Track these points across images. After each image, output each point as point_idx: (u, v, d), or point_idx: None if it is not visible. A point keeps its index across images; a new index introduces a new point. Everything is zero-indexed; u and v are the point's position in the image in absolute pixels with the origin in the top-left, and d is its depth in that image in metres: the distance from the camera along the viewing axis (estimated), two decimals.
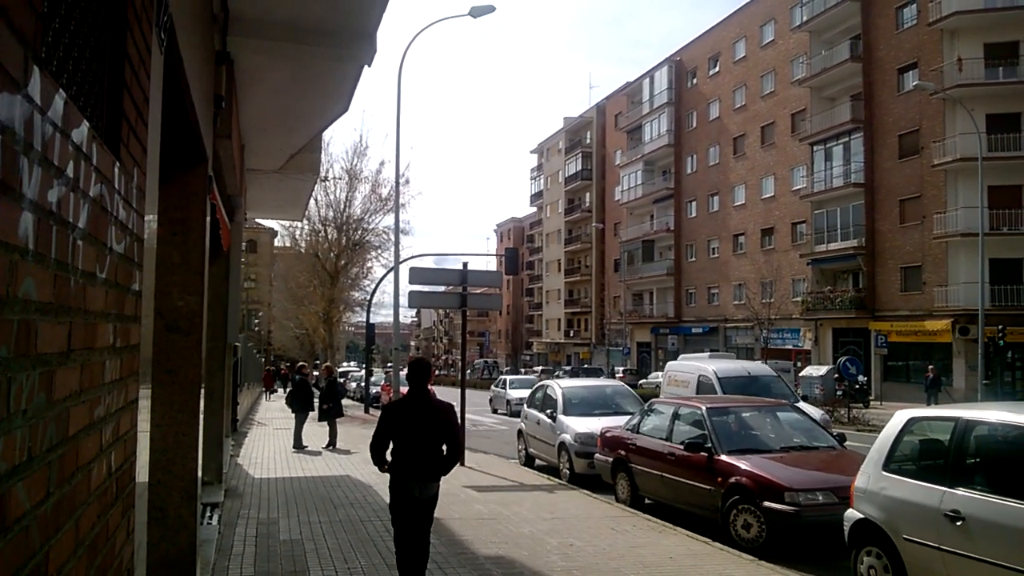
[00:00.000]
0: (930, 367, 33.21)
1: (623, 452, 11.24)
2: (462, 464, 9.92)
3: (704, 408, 9.95)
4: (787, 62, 48.58)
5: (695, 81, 59.78)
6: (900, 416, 6.78)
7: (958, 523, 5.69)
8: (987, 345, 31.16)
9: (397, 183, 25.14)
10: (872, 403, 32.85)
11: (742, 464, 8.82)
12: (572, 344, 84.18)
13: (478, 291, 15.63)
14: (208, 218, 6.04)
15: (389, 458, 6.22)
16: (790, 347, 45.71)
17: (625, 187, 68.22)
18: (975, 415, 6.09)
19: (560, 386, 15.21)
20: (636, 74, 72.96)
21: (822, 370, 35.35)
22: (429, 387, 6.34)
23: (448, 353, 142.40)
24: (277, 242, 55.21)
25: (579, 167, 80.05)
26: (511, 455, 17.09)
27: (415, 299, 15.36)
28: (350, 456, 16.65)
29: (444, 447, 6.14)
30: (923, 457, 6.43)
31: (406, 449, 6.06)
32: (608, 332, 72.12)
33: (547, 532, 9.05)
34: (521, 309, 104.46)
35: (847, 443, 10.30)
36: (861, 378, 31.02)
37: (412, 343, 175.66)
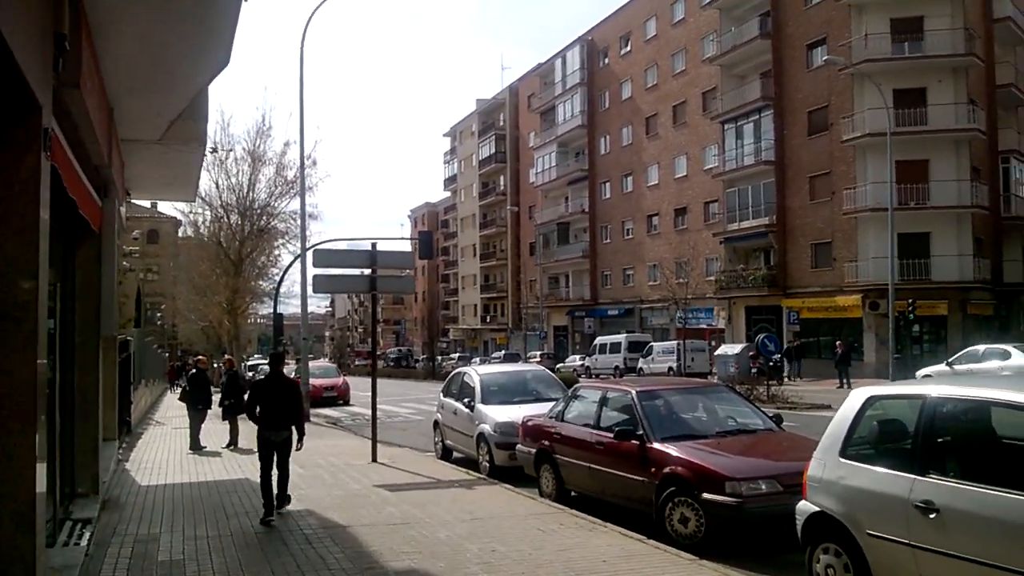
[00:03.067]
0: (838, 342, 33.66)
1: (547, 442, 10.41)
2: (305, 421, 11.10)
3: (634, 392, 9.17)
4: (698, 40, 48.61)
5: (607, 61, 59.49)
6: (857, 395, 6.08)
7: (931, 515, 5.01)
8: (897, 319, 31.63)
9: (302, 163, 23.78)
10: (785, 380, 33.06)
11: (677, 452, 8.07)
12: (489, 330, 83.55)
13: (389, 273, 14.55)
14: (42, 182, 4.86)
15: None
16: (704, 326, 45.95)
17: (539, 169, 67.70)
18: (944, 392, 5.42)
19: (478, 373, 14.29)
20: (548, 55, 72.16)
21: (736, 348, 35.51)
22: (281, 368, 9.90)
23: (364, 343, 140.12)
24: (180, 232, 52.64)
25: (493, 150, 79.15)
26: (428, 448, 16.12)
27: (320, 284, 14.21)
28: (252, 456, 15.34)
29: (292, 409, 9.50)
30: (887, 440, 5.74)
31: (266, 409, 9.35)
32: (525, 316, 71.68)
33: (467, 536, 8.14)
34: (437, 295, 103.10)
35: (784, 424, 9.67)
36: (776, 356, 31.17)
37: (327, 333, 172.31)
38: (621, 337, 46.44)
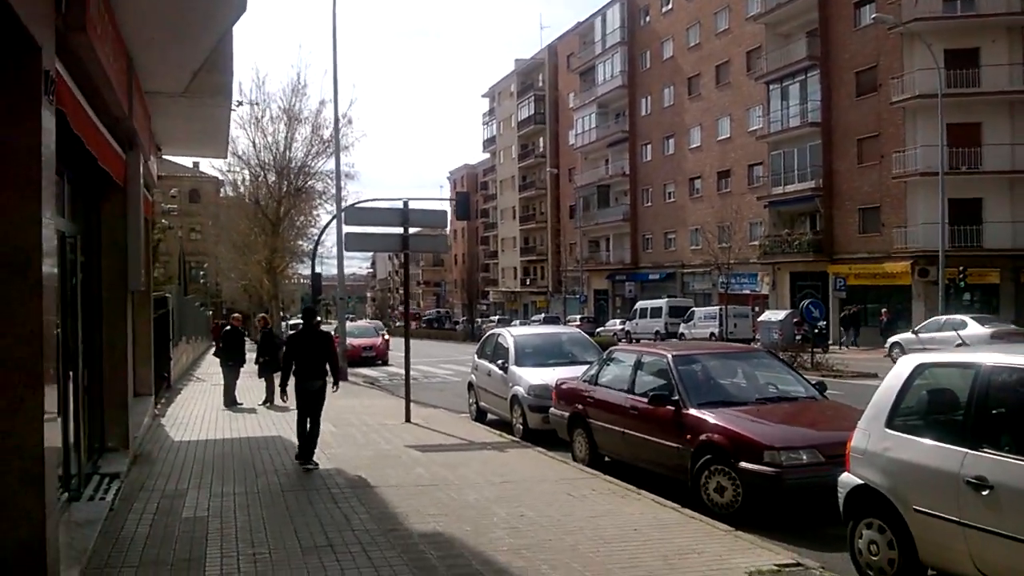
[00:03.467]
0: (883, 310, 32.89)
1: (580, 406, 10.18)
2: (341, 377, 12.26)
3: (670, 356, 8.87)
4: None
5: (648, 19, 58.16)
6: (906, 362, 5.72)
7: (984, 492, 4.67)
8: (947, 287, 30.73)
9: (336, 120, 23.58)
10: (831, 348, 32.40)
11: (714, 419, 7.78)
12: (528, 293, 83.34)
13: (422, 232, 14.33)
14: (44, 126, 4.67)
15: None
16: (747, 292, 45.23)
17: (579, 131, 66.77)
18: (999, 360, 5.05)
19: (512, 334, 14.07)
20: (588, 15, 70.74)
21: (780, 315, 34.81)
22: (314, 322, 10.58)
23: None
24: (221, 192, 52.97)
25: (532, 111, 78.22)
26: (463, 409, 16.00)
27: (352, 242, 14.01)
28: (287, 414, 15.32)
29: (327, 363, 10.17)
30: (937, 411, 5.40)
31: (302, 361, 9.99)
32: (564, 280, 71.32)
33: (495, 500, 7.97)
34: (477, 257, 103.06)
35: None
36: (821, 323, 30.51)
37: (369, 294, 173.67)
38: (662, 302, 45.98)
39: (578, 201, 65.85)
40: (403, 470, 9.63)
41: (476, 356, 15.24)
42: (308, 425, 9.94)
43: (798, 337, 29.83)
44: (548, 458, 10.33)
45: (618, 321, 51.51)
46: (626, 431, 9.04)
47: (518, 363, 13.06)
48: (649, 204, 57.96)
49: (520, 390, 12.45)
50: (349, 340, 32.76)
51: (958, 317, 27.09)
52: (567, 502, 7.85)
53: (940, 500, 4.97)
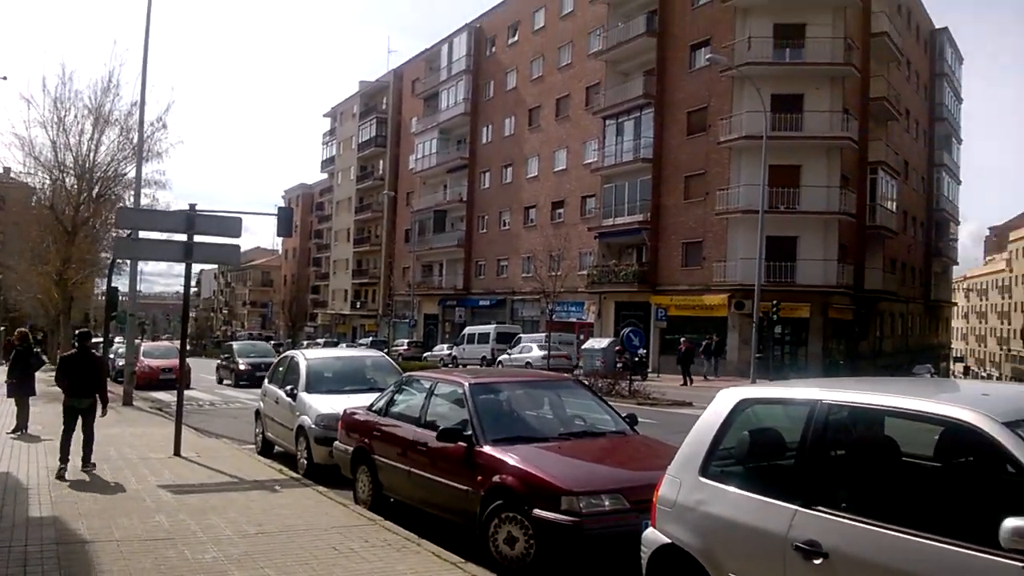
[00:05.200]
0: (682, 339, 33.26)
1: (366, 439, 8.76)
2: (107, 398, 11.18)
3: (467, 384, 7.62)
4: (585, 34, 47.83)
5: (494, 50, 58.10)
6: (725, 397, 4.71)
7: (816, 561, 3.69)
8: (761, 320, 31.58)
9: (142, 116, 21.09)
10: (650, 375, 32.56)
11: (509, 458, 6.58)
12: (359, 316, 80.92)
13: (210, 241, 12.50)
14: None
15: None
16: (574, 320, 45.31)
17: (419, 155, 65.68)
18: (838, 397, 4.10)
19: (306, 357, 12.44)
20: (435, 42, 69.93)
21: (603, 342, 34.80)
22: (88, 344, 11.01)
23: (228, 324, 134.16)
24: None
25: (373, 133, 76.60)
26: (253, 440, 14.17)
27: (124, 248, 12.17)
28: (34, 445, 13.04)
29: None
30: (761, 457, 4.42)
31: (73, 380, 10.57)
32: (395, 304, 69.63)
33: (238, 559, 6.41)
34: (307, 279, 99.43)
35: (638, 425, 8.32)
36: (642, 351, 30.61)
37: (191, 314, 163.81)
38: (490, 327, 45.33)
39: (414, 225, 64.59)
40: (140, 518, 7.85)
41: (266, 381, 13.50)
42: (74, 439, 10.57)
43: (619, 365, 29.69)
44: (326, 500, 8.83)
45: (446, 346, 50.40)
46: (412, 470, 7.72)
47: (309, 389, 11.48)
48: (484, 231, 57.49)
49: (307, 420, 10.87)
50: (147, 361, 29.99)
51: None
52: (328, 559, 6.41)
53: (763, 568, 3.97)
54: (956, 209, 60.55)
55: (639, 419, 8.56)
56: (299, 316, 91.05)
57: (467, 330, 47.52)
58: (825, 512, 3.76)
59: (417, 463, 7.67)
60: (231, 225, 12.35)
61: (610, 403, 8.71)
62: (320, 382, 11.78)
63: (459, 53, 61.04)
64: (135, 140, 28.93)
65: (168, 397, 25.68)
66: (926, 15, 54.60)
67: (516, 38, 55.25)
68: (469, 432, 7.06)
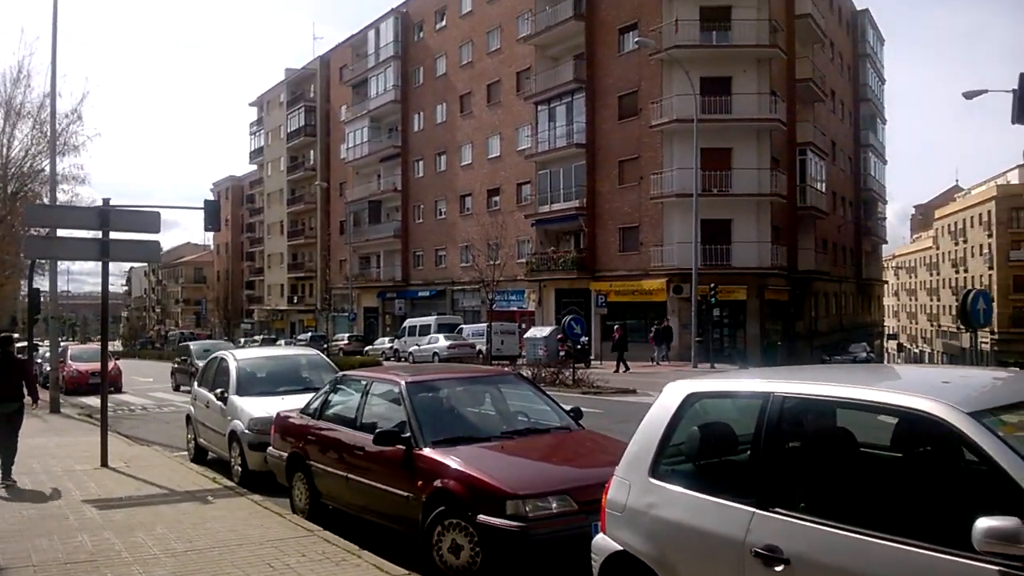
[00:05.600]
0: (616, 326, 33.14)
1: (301, 444, 8.38)
2: (37, 394, 11.12)
3: (404, 383, 7.28)
4: (513, 19, 47.48)
5: (422, 35, 57.35)
6: (673, 392, 4.48)
7: (777, 568, 3.50)
8: (699, 303, 31.86)
9: (53, 109, 20.10)
10: (592, 363, 32.59)
11: (450, 461, 6.29)
12: (296, 311, 79.55)
13: (128, 238, 11.90)
14: None
15: None
16: (515, 309, 45.16)
17: (351, 144, 64.56)
18: (792, 389, 3.91)
19: (235, 357, 11.92)
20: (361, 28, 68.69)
21: (545, 331, 34.74)
22: (10, 348, 10.75)
23: (161, 323, 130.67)
24: None
25: (302, 122, 74.95)
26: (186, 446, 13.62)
27: (35, 247, 11.49)
28: None
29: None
30: (712, 454, 4.21)
31: None
32: (333, 297, 68.57)
33: None
34: (241, 274, 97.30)
35: (582, 420, 8.11)
36: (583, 339, 30.56)
37: (123, 314, 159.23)
38: (431, 319, 44.86)
39: (349, 216, 63.58)
40: (60, 538, 7.37)
41: (196, 384, 12.95)
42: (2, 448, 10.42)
43: (562, 353, 29.63)
44: (262, 510, 8.44)
45: (387, 339, 49.79)
46: (350, 476, 7.38)
47: (240, 391, 11.00)
48: (420, 220, 56.90)
49: (239, 424, 10.42)
50: (75, 365, 29.08)
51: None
52: (264, 575, 6.06)
53: None
54: (883, 189, 62.15)
55: (584, 409, 8.38)
56: (234, 313, 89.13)
57: (408, 322, 46.99)
58: (784, 514, 3.57)
59: (355, 468, 7.33)
60: (149, 220, 11.76)
61: (554, 393, 8.51)
62: (252, 384, 11.31)
63: (386, 39, 60.10)
64: (49, 133, 27.82)
65: (98, 402, 24.75)
66: None
67: (444, 23, 54.60)
68: (407, 434, 6.75)
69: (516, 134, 46.95)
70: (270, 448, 9.14)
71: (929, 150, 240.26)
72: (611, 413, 15.80)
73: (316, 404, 8.53)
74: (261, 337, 72.17)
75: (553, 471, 6.33)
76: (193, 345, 30.43)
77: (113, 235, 11.41)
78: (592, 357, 34.38)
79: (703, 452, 4.30)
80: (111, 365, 30.02)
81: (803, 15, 40.57)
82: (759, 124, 36.30)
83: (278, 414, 9.24)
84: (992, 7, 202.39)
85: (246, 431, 10.23)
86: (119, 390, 28.81)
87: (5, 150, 28.50)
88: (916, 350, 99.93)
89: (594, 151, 41.10)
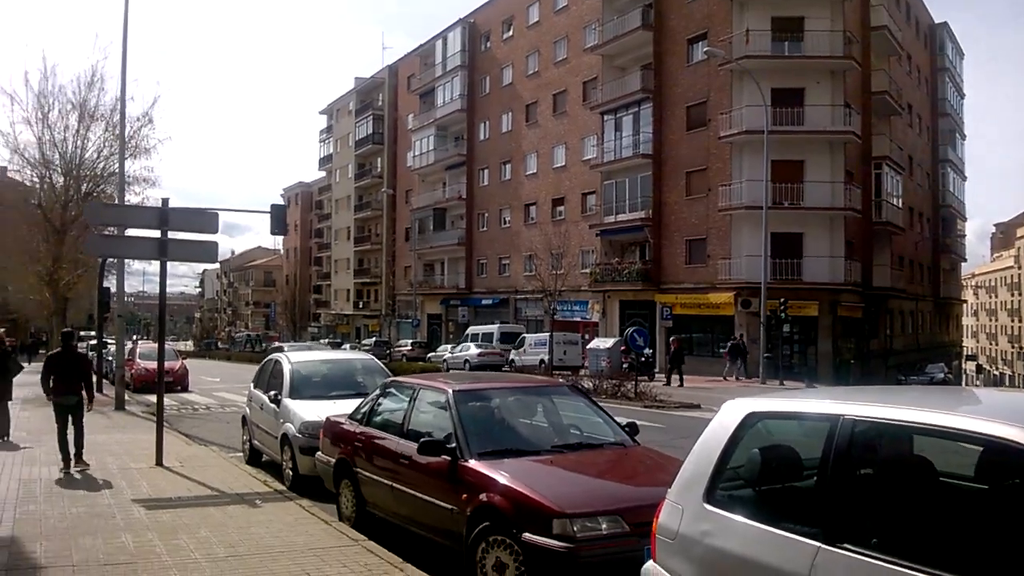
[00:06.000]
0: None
1: (349, 450, 8.21)
2: (93, 392, 11.84)
3: (451, 391, 7.05)
4: (580, 28, 47.24)
5: (489, 45, 57.53)
6: (731, 410, 4.11)
7: None
8: (768, 319, 31.01)
9: (123, 109, 20.57)
10: (657, 376, 31.98)
11: (497, 474, 6.02)
12: (362, 316, 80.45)
13: (185, 237, 11.98)
14: None
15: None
16: (578, 319, 44.75)
17: (417, 152, 65.08)
18: (865, 412, 3.52)
19: (290, 360, 11.87)
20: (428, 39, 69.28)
21: (609, 342, 34.22)
22: (73, 343, 11.51)
23: (232, 325, 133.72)
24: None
25: (370, 130, 75.98)
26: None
27: (96, 245, 11.64)
28: (12, 454, 12.52)
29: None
30: (774, 479, 3.85)
31: (59, 379, 11.06)
32: (398, 303, 69.10)
33: None
34: (309, 278, 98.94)
35: (640, 435, 7.75)
36: (647, 351, 29.99)
37: (196, 315, 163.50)
38: (493, 327, 44.81)
39: (414, 223, 64.06)
40: (104, 538, 7.32)
41: (252, 385, 12.95)
42: (70, 435, 10.99)
43: (625, 365, 29.11)
44: (309, 516, 8.29)
45: (450, 346, 49.85)
46: (395, 485, 7.16)
47: (293, 394, 10.93)
48: (485, 229, 56.94)
49: (291, 428, 10.33)
50: (143, 363, 29.54)
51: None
52: None
53: None
54: (963, 205, 59.92)
55: (645, 423, 8.06)
56: (302, 316, 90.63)
57: (470, 330, 47.00)
58: (853, 551, 3.20)
59: (400, 478, 7.12)
60: (207, 221, 11.81)
61: (615, 406, 8.18)
62: (305, 387, 11.22)
63: (454, 48, 60.48)
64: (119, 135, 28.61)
65: (167, 400, 25.16)
66: (925, 9, 53.99)
67: (511, 33, 54.66)
68: (453, 444, 6.50)
69: (582, 144, 46.62)
70: (318, 453, 9.00)
71: (1011, 167, 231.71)
72: (672, 428, 15.34)
73: (364, 410, 8.36)
74: (327, 341, 73.13)
75: (604, 489, 6.00)
76: (287, 348, 29.53)
77: (173, 235, 11.50)
78: (657, 370, 33.76)
79: (764, 477, 3.92)
80: (178, 365, 30.83)
81: (879, 27, 39.35)
82: (832, 136, 35.26)
83: (327, 418, 9.10)
84: None
85: (297, 435, 10.13)
86: (185, 389, 29.38)
87: (79, 152, 29.38)
88: (996, 372, 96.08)
89: (661, 162, 40.50)
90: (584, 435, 7.19)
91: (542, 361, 36.43)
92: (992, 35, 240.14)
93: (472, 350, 39.83)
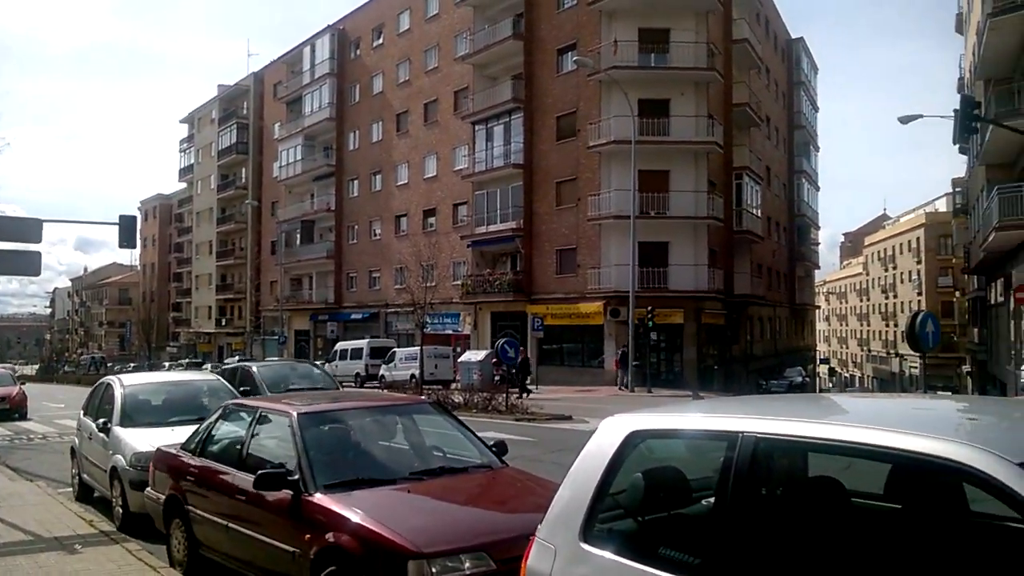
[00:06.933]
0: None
1: (180, 485, 7.19)
2: None
3: (295, 414, 6.18)
4: (451, 37, 46.79)
5: (359, 52, 56.29)
6: (611, 430, 3.44)
7: None
8: (637, 327, 31.23)
9: None
10: (529, 387, 31.63)
11: (344, 509, 5.20)
12: (225, 334, 77.01)
13: (4, 247, 10.56)
14: None
15: None
16: (450, 332, 44.04)
17: (284, 163, 62.95)
18: (771, 427, 2.96)
19: (123, 382, 10.60)
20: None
21: (480, 355, 33.75)
22: None
23: (84, 346, 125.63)
24: None
25: (234, 139, 73.00)
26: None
27: None
28: None
29: None
30: (658, 508, 3.25)
31: None
32: (264, 320, 66.44)
33: None
34: (168, 296, 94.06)
35: (513, 450, 7.08)
36: (519, 361, 29.59)
37: (47, 336, 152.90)
38: (363, 343, 43.51)
39: (280, 236, 61.66)
40: None
41: (82, 412, 11.55)
42: None
43: (496, 377, 28.64)
44: (135, 562, 7.21)
45: (318, 363, 48.10)
46: (230, 525, 6.23)
47: (124, 422, 9.70)
48: (354, 241, 55.51)
49: (121, 460, 9.12)
50: None
51: None
52: None
53: None
54: (816, 215, 62.95)
55: (517, 437, 7.46)
56: (159, 336, 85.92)
57: (339, 346, 45.52)
58: None
59: (236, 516, 6.18)
60: (29, 229, 10.46)
61: (486, 420, 7.50)
62: (139, 413, 10.00)
63: (322, 55, 58.90)
64: None
65: (1, 430, 22.80)
66: (783, 25, 56.55)
67: (381, 40, 53.67)
68: (296, 476, 5.65)
69: (453, 154, 46.09)
70: (147, 489, 7.90)
71: (858, 179, 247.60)
72: (545, 442, 14.83)
73: (200, 438, 7.34)
74: (186, 361, 69.53)
75: (468, 521, 5.26)
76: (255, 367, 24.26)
77: None
78: (529, 382, 33.42)
79: (648, 505, 3.33)
80: (15, 391, 28.18)
81: (740, 40, 40.75)
82: (696, 147, 36.09)
83: (157, 449, 8.01)
84: (924, 43, 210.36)
85: (128, 467, 8.94)
86: (24, 416, 26.94)
87: None
88: (847, 374, 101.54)
89: (532, 172, 40.46)
90: (446, 458, 6.46)
91: (412, 376, 35.51)
92: (845, 51, 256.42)
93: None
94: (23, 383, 31.06)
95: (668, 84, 36.23)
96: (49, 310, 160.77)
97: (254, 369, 15.84)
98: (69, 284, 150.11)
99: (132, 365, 67.73)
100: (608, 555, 3.18)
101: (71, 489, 11.87)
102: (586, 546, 3.27)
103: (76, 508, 10.22)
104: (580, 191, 37.82)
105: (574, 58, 35.24)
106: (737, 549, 2.81)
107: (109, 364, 74.27)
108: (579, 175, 38.05)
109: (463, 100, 45.14)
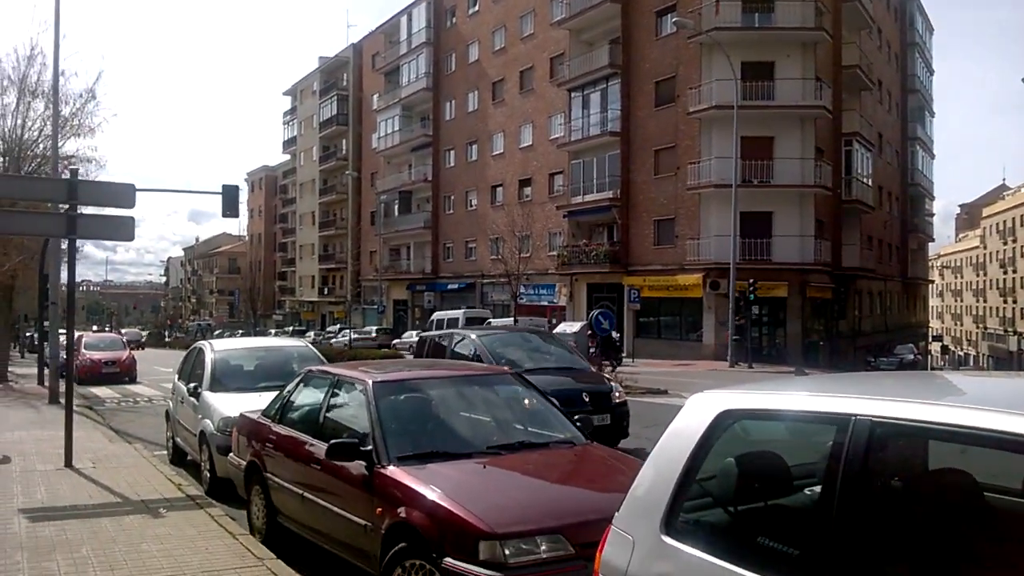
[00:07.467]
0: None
1: (260, 451, 7.10)
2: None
3: (370, 383, 5.94)
4: (547, 2, 46.05)
5: (454, 20, 56.09)
6: (699, 407, 3.02)
7: None
8: (737, 300, 30.22)
9: (56, 79, 19.11)
10: (624, 360, 31.08)
11: (417, 484, 4.93)
12: (327, 302, 78.86)
13: (97, 212, 10.75)
14: None
15: None
16: (546, 303, 43.76)
17: (382, 133, 63.57)
18: (887, 410, 2.48)
19: (213, 348, 10.69)
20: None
21: (575, 326, 33.12)
22: None
23: (196, 314, 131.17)
24: None
25: (335, 111, 74.18)
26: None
27: None
28: None
29: None
30: (754, 498, 2.83)
31: None
32: (364, 289, 67.72)
33: None
34: (273, 265, 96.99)
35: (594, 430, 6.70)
36: (615, 334, 29.08)
37: (162, 303, 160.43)
38: (459, 312, 43.54)
39: (379, 207, 62.58)
40: None
41: (176, 376, 11.76)
42: None
43: (592, 349, 28.15)
44: (215, 528, 7.17)
45: (415, 332, 48.66)
46: (306, 494, 6.07)
47: (214, 387, 9.77)
48: (451, 212, 55.72)
49: (209, 424, 9.18)
50: (89, 354, 28.46)
51: None
52: None
53: None
54: (931, 184, 59.69)
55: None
56: (265, 304, 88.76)
57: (435, 316, 45.79)
58: None
59: (311, 485, 6.02)
60: (122, 194, 10.55)
61: None
62: (229, 378, 10.06)
63: (419, 25, 58.98)
64: (65, 113, 26.91)
65: (110, 392, 23.87)
66: None
67: (476, 8, 53.25)
68: (369, 447, 5.41)
69: (549, 122, 45.48)
70: (230, 455, 7.87)
71: (974, 147, 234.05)
72: (638, 417, 14.38)
73: (279, 404, 7.22)
74: (291, 329, 71.64)
75: (545, 502, 4.89)
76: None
77: (82, 210, 10.29)
78: (624, 354, 32.88)
79: (741, 493, 2.90)
80: (125, 355, 29.49)
81: None
82: (803, 112, 34.41)
83: (241, 414, 7.96)
84: None
85: (215, 432, 8.98)
86: (133, 380, 28.17)
87: (20, 131, 27.68)
88: (961, 353, 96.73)
89: (629, 140, 39.50)
90: (527, 432, 6.12)
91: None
92: (962, 10, 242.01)
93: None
94: (140, 348, 32.33)
95: (773, 45, 34.60)
96: (164, 279, 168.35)
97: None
98: (182, 253, 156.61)
99: (240, 332, 70.08)
100: (693, 551, 2.77)
101: (166, 452, 12.15)
102: (668, 539, 2.86)
103: (168, 471, 10.38)
104: (679, 159, 36.70)
105: (674, 19, 33.99)
106: (848, 548, 2.37)
107: (217, 332, 77.12)
108: (678, 142, 36.92)
109: (559, 67, 44.38)
